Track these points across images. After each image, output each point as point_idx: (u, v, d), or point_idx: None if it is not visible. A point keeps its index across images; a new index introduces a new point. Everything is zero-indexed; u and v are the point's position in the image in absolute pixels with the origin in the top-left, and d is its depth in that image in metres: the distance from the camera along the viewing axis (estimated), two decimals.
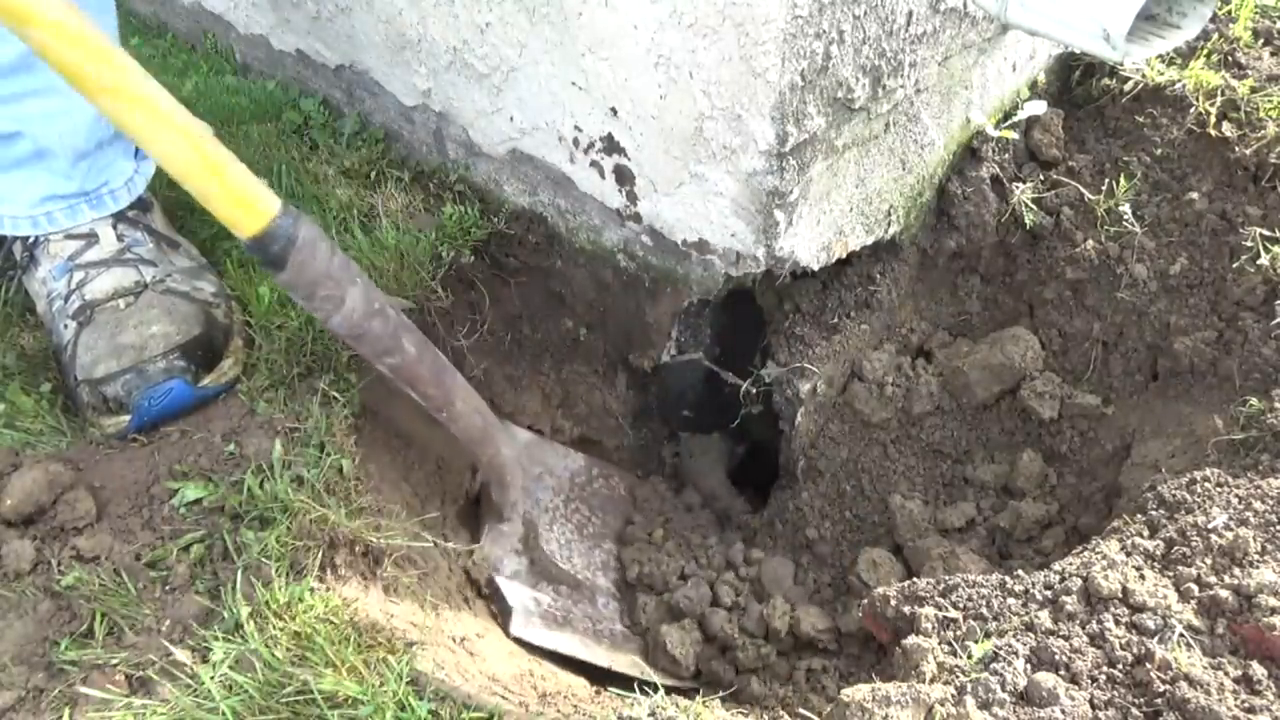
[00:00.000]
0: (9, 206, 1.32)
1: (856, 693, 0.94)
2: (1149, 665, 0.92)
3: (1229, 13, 1.75)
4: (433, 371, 1.22)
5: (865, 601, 1.19)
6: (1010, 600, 1.05)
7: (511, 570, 1.51)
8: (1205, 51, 1.67)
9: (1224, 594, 0.98)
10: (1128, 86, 1.66)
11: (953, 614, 1.05)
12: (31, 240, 1.36)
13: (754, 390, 1.60)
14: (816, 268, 1.43)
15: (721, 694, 1.13)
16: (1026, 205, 1.59)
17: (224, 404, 1.28)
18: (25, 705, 0.98)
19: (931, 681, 0.95)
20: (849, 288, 1.59)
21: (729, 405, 1.67)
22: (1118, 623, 0.98)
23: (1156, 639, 0.95)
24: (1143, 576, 1.03)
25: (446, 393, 1.25)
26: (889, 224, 1.53)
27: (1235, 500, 1.11)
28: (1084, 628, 0.98)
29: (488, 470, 1.47)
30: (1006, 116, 1.62)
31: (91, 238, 1.35)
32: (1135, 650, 0.94)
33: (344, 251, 1.47)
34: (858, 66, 1.24)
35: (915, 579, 1.15)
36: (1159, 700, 0.90)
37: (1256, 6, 1.75)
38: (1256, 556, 1.02)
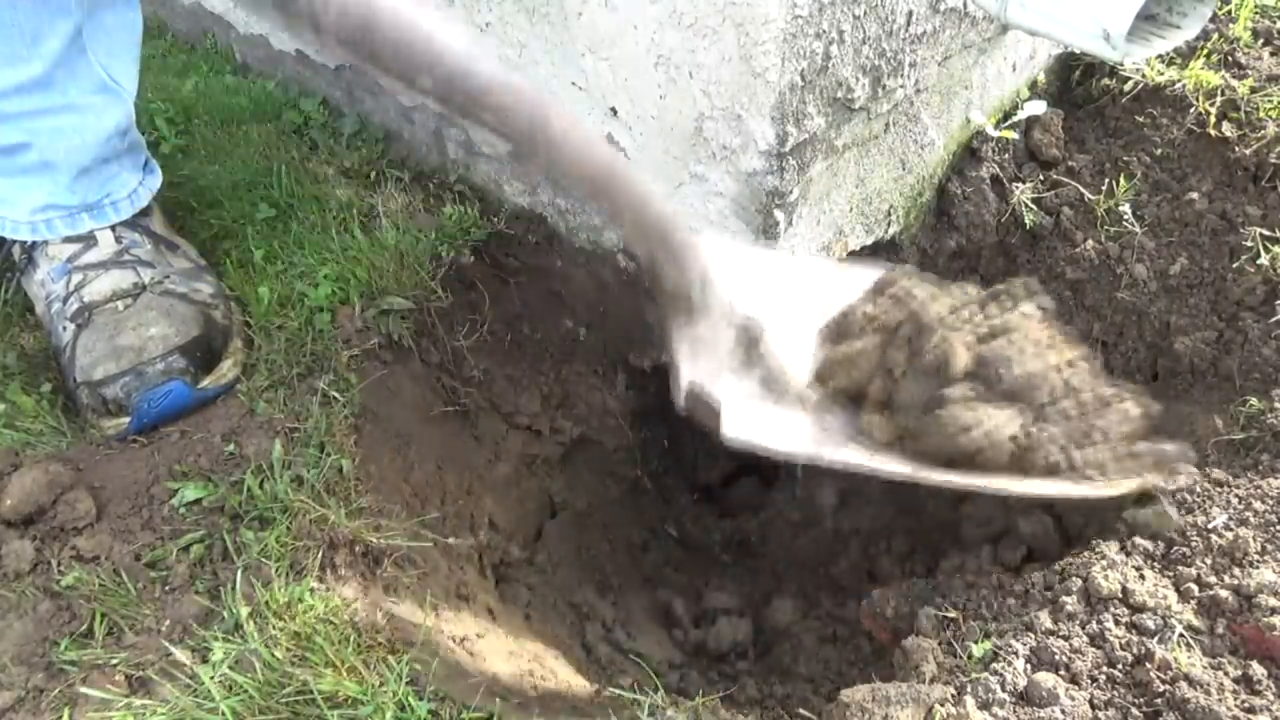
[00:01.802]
0: (9, 210, 1.33)
1: (856, 693, 0.94)
2: (1149, 665, 0.93)
3: (1229, 13, 1.75)
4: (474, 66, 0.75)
5: (865, 601, 1.19)
6: (1010, 600, 1.05)
7: (730, 389, 1.08)
8: (1205, 51, 1.67)
9: (1224, 594, 0.98)
10: (1128, 86, 1.66)
11: (953, 614, 1.05)
12: (30, 242, 1.36)
13: None
14: None
15: (721, 694, 1.13)
16: (1026, 205, 1.59)
17: (224, 404, 1.28)
18: (25, 705, 0.98)
19: (931, 681, 0.95)
20: None
21: None
22: (1118, 623, 0.98)
23: (1156, 639, 0.95)
24: (1143, 576, 1.03)
25: (529, 101, 0.78)
26: (889, 224, 1.53)
27: (1235, 500, 1.11)
28: (1084, 628, 0.98)
29: (649, 240, 0.95)
30: (1006, 116, 1.62)
31: (90, 240, 1.35)
32: (1135, 650, 0.95)
33: (344, 252, 1.48)
34: (858, 66, 1.24)
35: (915, 578, 1.15)
36: (1159, 700, 0.90)
37: (1256, 6, 1.75)
38: (1256, 556, 1.02)
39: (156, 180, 1.43)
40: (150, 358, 1.24)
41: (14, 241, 1.39)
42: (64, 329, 1.29)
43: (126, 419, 1.22)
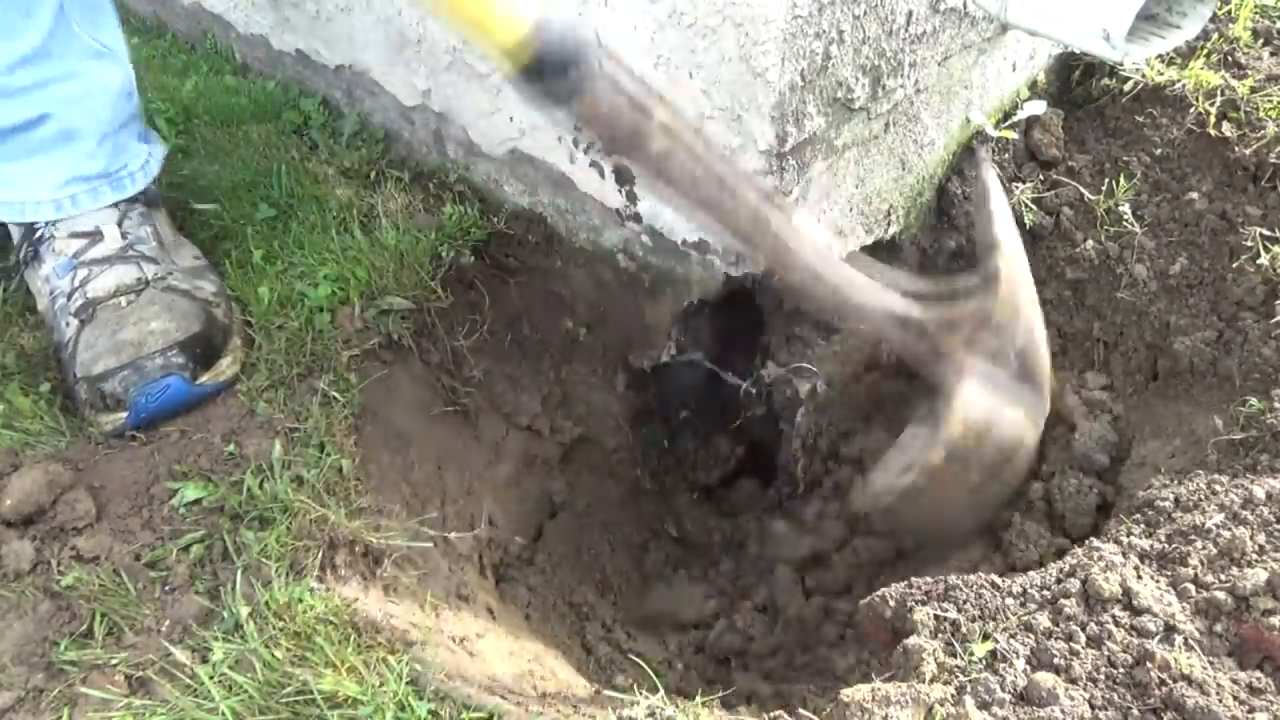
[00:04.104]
0: (31, 192, 1.34)
1: (856, 693, 0.94)
2: (1148, 665, 0.93)
3: (1229, 13, 1.75)
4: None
5: (864, 602, 1.18)
6: (1009, 600, 1.05)
7: None
8: (1205, 51, 1.67)
9: (1222, 594, 0.98)
10: (1128, 86, 1.66)
11: (952, 614, 1.05)
12: (37, 237, 1.37)
13: (754, 390, 1.60)
14: None
15: (721, 694, 1.13)
16: (1026, 205, 1.59)
17: (224, 404, 1.28)
18: (25, 705, 0.98)
19: (931, 681, 0.95)
20: None
21: (729, 405, 1.67)
22: (1117, 623, 0.98)
23: (1156, 639, 0.95)
24: (1141, 577, 1.03)
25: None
26: (889, 224, 1.53)
27: (1234, 500, 1.11)
28: (1083, 628, 0.98)
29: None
30: (1006, 116, 1.62)
31: (96, 235, 1.35)
32: (1134, 651, 0.95)
33: (344, 252, 1.48)
34: (857, 66, 1.24)
35: (915, 579, 1.15)
36: (1158, 700, 0.90)
37: (1256, 6, 1.75)
38: (1255, 557, 1.02)
39: (160, 148, 1.46)
40: (149, 352, 1.24)
41: (22, 238, 1.39)
42: (67, 324, 1.29)
43: (124, 414, 1.22)
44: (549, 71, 0.86)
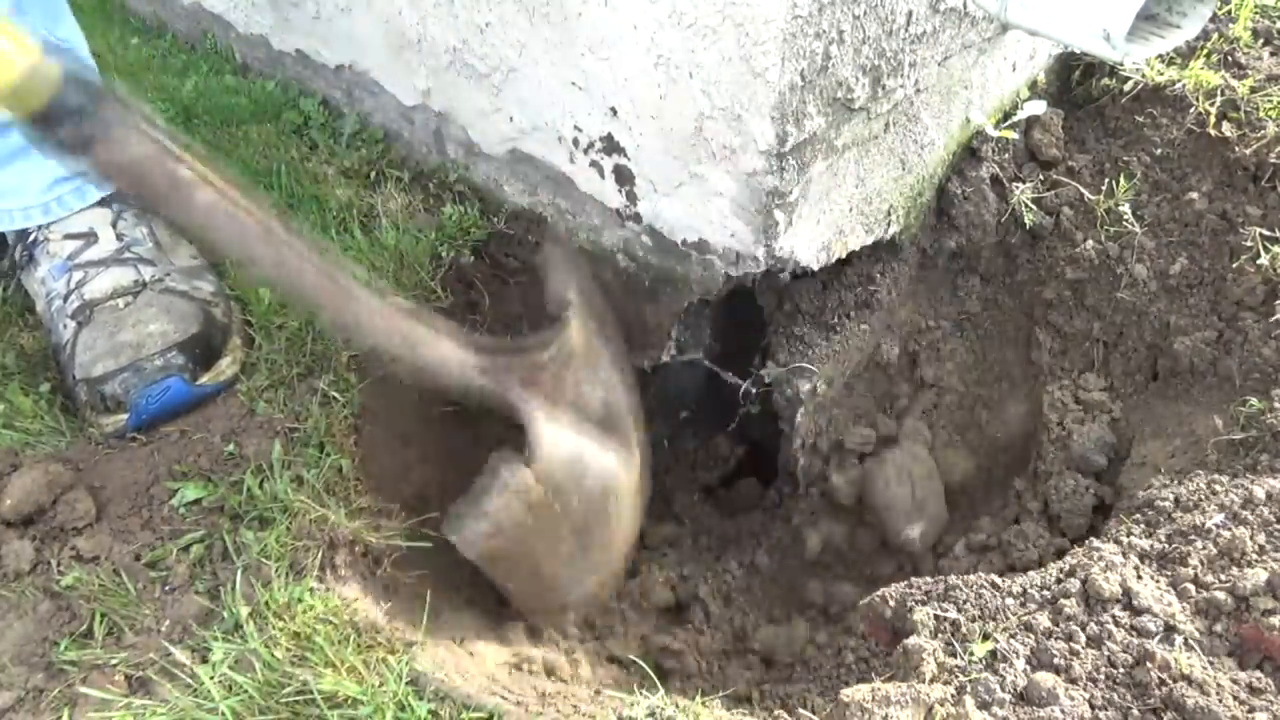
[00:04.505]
0: (17, 199, 1.33)
1: (856, 693, 0.94)
2: (1148, 665, 0.93)
3: (1229, 13, 1.75)
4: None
5: (864, 602, 1.19)
6: (1009, 600, 1.05)
7: None
8: (1205, 51, 1.67)
9: (1222, 594, 0.98)
10: (1128, 86, 1.66)
11: (952, 614, 1.05)
12: (31, 239, 1.36)
13: (754, 390, 1.60)
14: (816, 268, 1.43)
15: (722, 694, 1.13)
16: (1026, 205, 1.59)
17: (223, 404, 1.28)
18: (25, 705, 0.98)
19: (931, 681, 0.95)
20: (849, 288, 1.59)
21: (729, 405, 1.67)
22: (1117, 624, 0.98)
23: (1156, 639, 0.95)
24: (1141, 577, 1.03)
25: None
26: (889, 224, 1.53)
27: (1234, 500, 1.12)
28: (1083, 628, 0.98)
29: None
30: (1006, 116, 1.62)
31: (90, 237, 1.35)
32: (1134, 651, 0.95)
33: (344, 252, 1.48)
34: (858, 66, 1.24)
35: (914, 579, 1.15)
36: (1158, 700, 0.90)
37: (1256, 6, 1.75)
38: (1255, 556, 1.02)
39: None
40: (149, 354, 1.24)
41: (16, 241, 1.39)
42: (64, 326, 1.29)
43: (125, 415, 1.22)
44: (60, 118, 0.80)
